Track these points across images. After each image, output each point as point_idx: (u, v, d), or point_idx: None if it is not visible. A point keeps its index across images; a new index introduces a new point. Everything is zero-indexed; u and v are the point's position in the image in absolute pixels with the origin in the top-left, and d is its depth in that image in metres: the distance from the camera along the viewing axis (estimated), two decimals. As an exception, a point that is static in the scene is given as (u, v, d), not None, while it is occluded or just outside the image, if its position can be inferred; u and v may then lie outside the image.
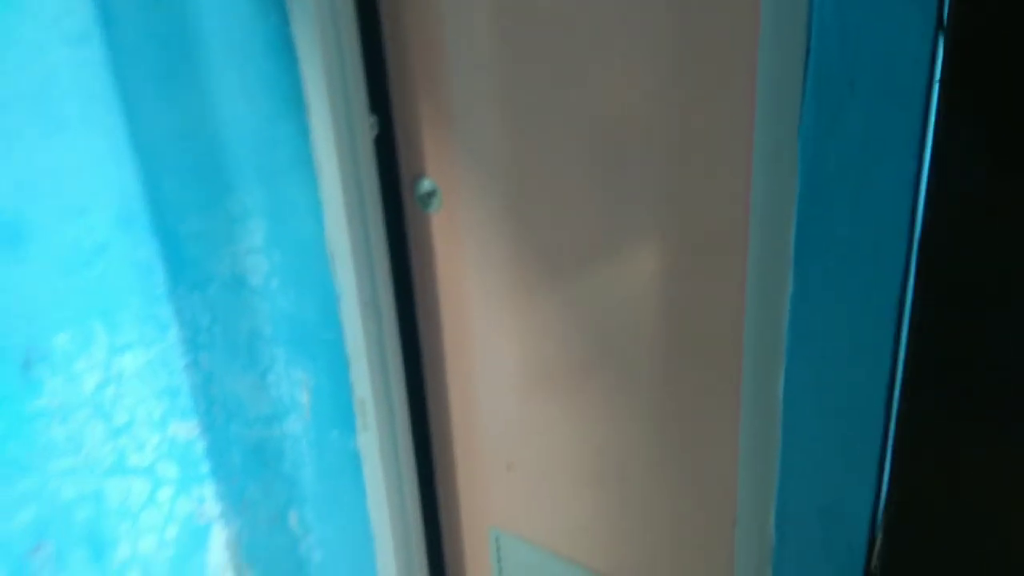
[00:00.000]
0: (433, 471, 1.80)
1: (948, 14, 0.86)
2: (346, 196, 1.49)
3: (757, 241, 1.10)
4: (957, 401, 0.95)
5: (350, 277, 1.54)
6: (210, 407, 1.89)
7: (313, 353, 1.66)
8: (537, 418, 1.56)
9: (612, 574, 1.58)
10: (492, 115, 1.40)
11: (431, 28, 1.42)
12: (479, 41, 1.37)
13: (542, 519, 1.66)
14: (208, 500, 1.98)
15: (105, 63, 1.62)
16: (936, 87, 0.92)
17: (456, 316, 1.62)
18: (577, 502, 1.57)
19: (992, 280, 0.90)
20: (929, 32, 0.91)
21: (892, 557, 1.06)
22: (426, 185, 1.55)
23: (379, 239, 1.57)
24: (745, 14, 1.07)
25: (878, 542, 1.12)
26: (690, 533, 1.43)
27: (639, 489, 1.47)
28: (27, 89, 1.51)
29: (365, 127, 1.51)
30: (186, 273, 1.77)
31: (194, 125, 1.60)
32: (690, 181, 1.22)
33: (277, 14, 1.48)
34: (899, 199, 0.99)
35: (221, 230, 1.67)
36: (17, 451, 1.56)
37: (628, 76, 1.23)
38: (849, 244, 1.03)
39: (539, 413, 1.56)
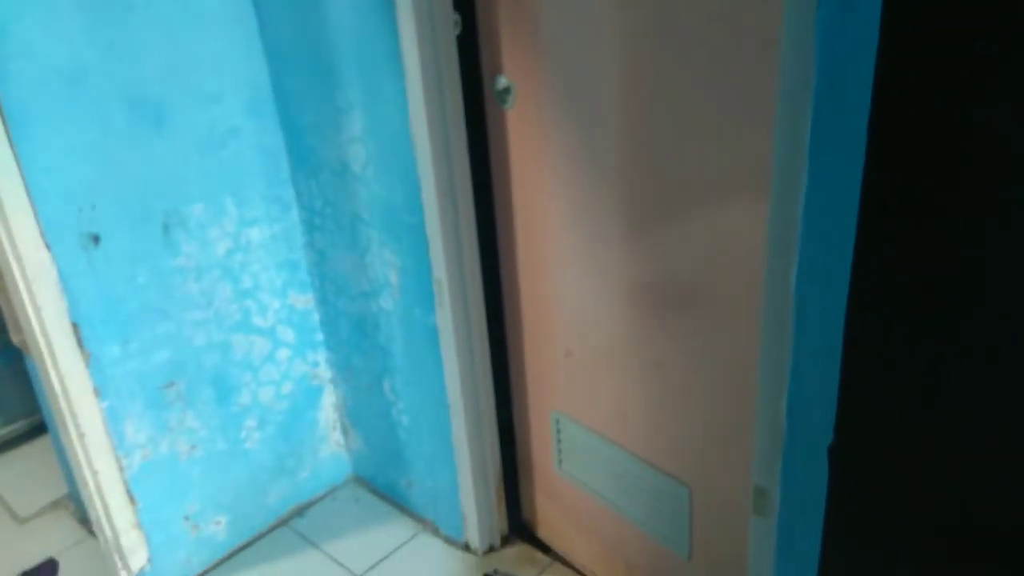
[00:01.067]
0: (505, 354, 1.93)
1: None
2: (427, 90, 1.61)
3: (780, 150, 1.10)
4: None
5: (429, 166, 1.67)
6: (323, 282, 2.14)
7: (400, 236, 1.83)
8: (593, 310, 1.63)
9: (648, 457, 1.65)
10: (569, 20, 1.44)
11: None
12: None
13: (592, 404, 1.75)
14: (321, 365, 2.25)
15: (238, -35, 1.83)
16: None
17: (527, 207, 1.70)
18: (621, 390, 1.64)
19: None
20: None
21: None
22: (502, 82, 1.63)
23: (457, 131, 1.68)
24: None
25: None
26: (716, 423, 1.46)
27: (676, 383, 1.51)
28: (176, -14, 1.74)
29: (448, 25, 1.62)
30: (304, 160, 1.99)
31: (310, 24, 1.77)
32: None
33: (378, -85, 1.60)
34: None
35: (330, 121, 1.85)
36: (158, 300, 1.87)
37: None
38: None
39: (595, 306, 1.62)
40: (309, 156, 1.96)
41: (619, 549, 1.85)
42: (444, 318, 1.82)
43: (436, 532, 2.17)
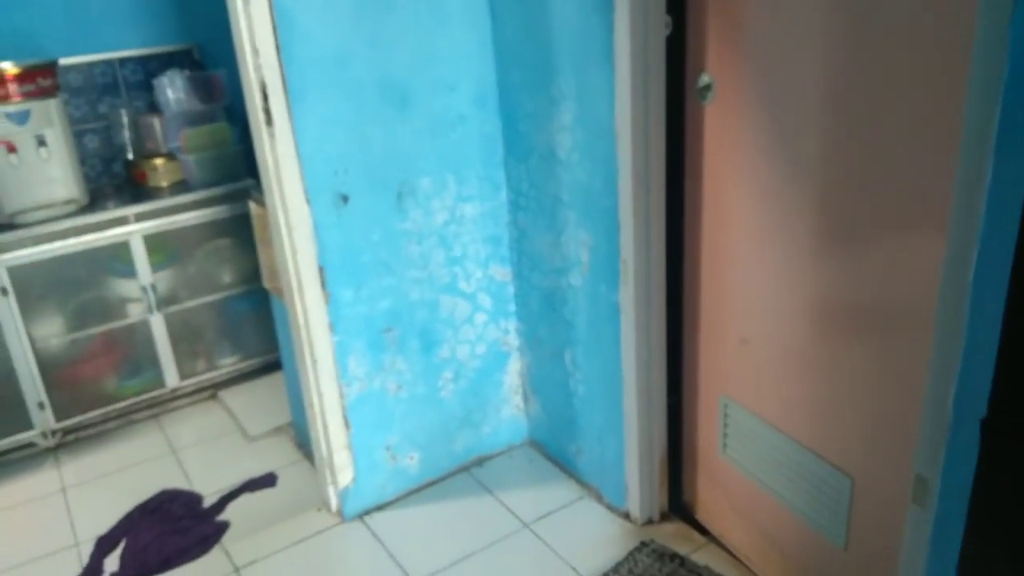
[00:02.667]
0: (681, 336, 2.05)
1: None
2: (634, 85, 1.79)
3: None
4: None
5: (628, 154, 1.84)
6: (520, 258, 2.37)
7: (595, 217, 2.02)
8: (772, 301, 1.72)
9: (813, 447, 1.70)
10: (773, 24, 1.55)
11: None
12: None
13: (761, 392, 1.82)
14: (511, 333, 2.49)
15: (480, -28, 2.11)
16: None
17: (715, 199, 1.82)
18: (792, 381, 1.71)
19: None
20: None
21: None
22: (704, 79, 1.77)
23: (657, 123, 1.84)
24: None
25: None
26: (882, 416, 1.49)
27: (846, 378, 1.56)
28: (427, -10, 2.05)
29: (660, 26, 1.78)
30: (517, 146, 2.24)
31: (535, 22, 2.01)
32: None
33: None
34: None
35: (544, 111, 2.08)
36: (386, 256, 2.19)
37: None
38: None
39: (774, 296, 1.71)
40: (521, 143, 2.20)
41: (775, 536, 1.91)
42: (627, 296, 1.98)
43: (599, 499, 2.33)
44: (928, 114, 1.31)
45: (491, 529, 2.25)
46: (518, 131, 2.21)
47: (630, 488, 2.20)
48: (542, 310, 2.34)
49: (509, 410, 2.55)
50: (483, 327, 2.42)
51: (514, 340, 2.49)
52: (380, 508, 2.36)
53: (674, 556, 2.08)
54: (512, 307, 2.45)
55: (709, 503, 2.15)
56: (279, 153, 1.94)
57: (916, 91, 1.33)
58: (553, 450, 2.51)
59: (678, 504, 2.24)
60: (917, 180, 1.36)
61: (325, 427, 2.23)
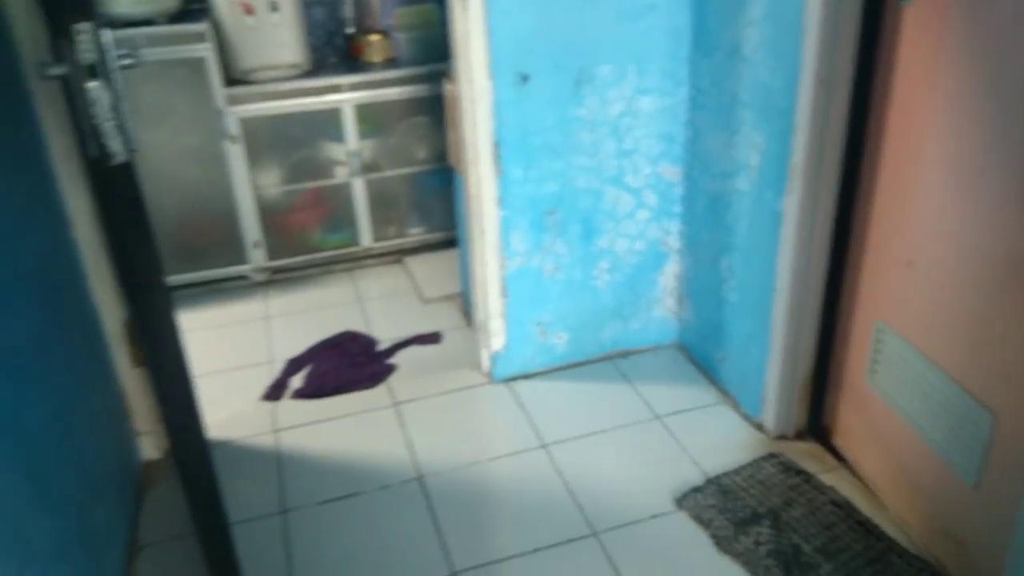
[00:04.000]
0: (843, 253, 1.97)
1: None
2: (830, -23, 1.70)
3: None
4: None
5: (813, 52, 1.76)
6: (692, 159, 2.36)
7: (770, 119, 1.96)
8: (949, 220, 1.61)
9: (962, 380, 1.61)
10: None
11: None
12: None
13: (919, 319, 1.73)
14: (672, 234, 2.51)
15: None
16: None
17: (903, 111, 1.69)
18: (953, 309, 1.60)
19: None
20: None
21: None
22: (909, -25, 1.64)
23: (849, 22, 1.73)
24: None
25: None
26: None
27: (1010, 311, 1.44)
28: None
29: (870, -85, 1.66)
30: (703, 40, 2.19)
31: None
32: None
33: None
34: None
35: (735, 4, 2.02)
36: (558, 140, 2.27)
37: None
38: None
39: (952, 215, 1.59)
40: (708, 37, 2.16)
41: (907, 468, 1.85)
42: (791, 204, 1.93)
43: (736, 407, 2.35)
44: None
45: (623, 413, 2.35)
46: (706, 25, 2.16)
47: (768, 400, 2.20)
48: (706, 214, 2.34)
49: (660, 310, 2.60)
50: (644, 224, 2.46)
51: (675, 242, 2.51)
52: (525, 377, 2.54)
53: (800, 472, 2.08)
54: (677, 208, 2.46)
55: (847, 428, 2.10)
56: (469, 27, 2.06)
57: None
58: (698, 354, 2.54)
59: (815, 425, 2.21)
60: None
61: (485, 294, 2.41)
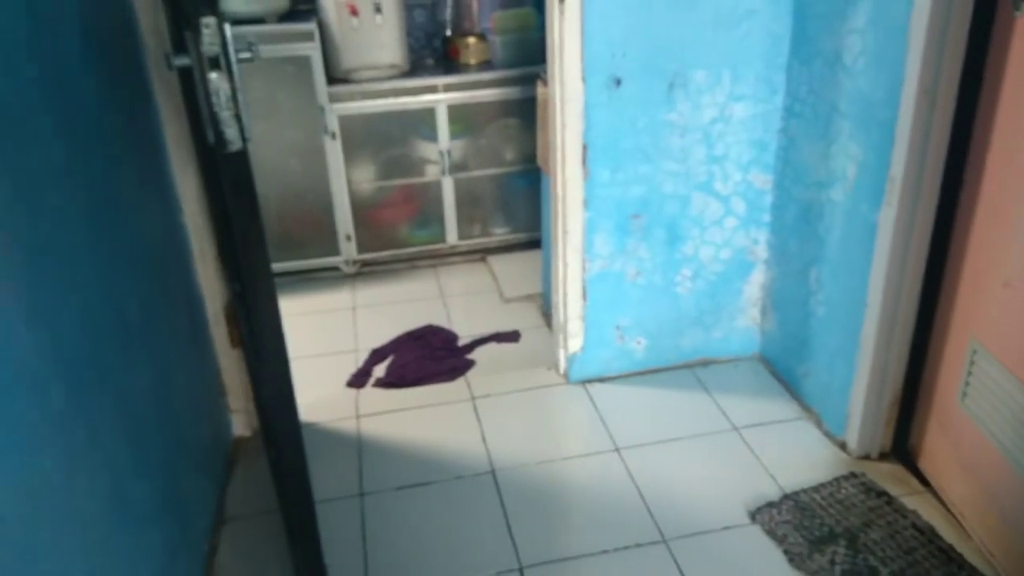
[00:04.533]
0: (939, 269, 1.89)
1: None
2: (939, -15, 1.64)
3: None
4: None
5: (918, 62, 1.70)
6: (784, 168, 2.32)
7: (869, 129, 1.91)
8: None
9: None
10: None
11: None
12: None
13: (1016, 341, 1.65)
14: (760, 243, 2.47)
15: None
16: None
17: (1011, 121, 1.63)
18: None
19: None
20: None
21: None
22: (1026, -17, 1.57)
23: (957, 31, 1.67)
24: None
25: None
26: None
27: None
28: None
29: (986, -80, 1.60)
30: (803, 48, 2.16)
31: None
32: None
33: None
34: None
35: (838, 11, 1.98)
36: (647, 144, 2.27)
37: None
38: None
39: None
40: (808, 45, 2.12)
41: (996, 496, 1.77)
42: (887, 217, 1.88)
43: (818, 424, 2.29)
44: None
45: (700, 423, 2.33)
46: (807, 32, 2.13)
47: (852, 419, 2.14)
48: (796, 224, 2.29)
49: (744, 320, 2.56)
50: (732, 232, 2.43)
51: (762, 252, 2.47)
52: (602, 380, 2.54)
53: (882, 494, 2.02)
54: (766, 217, 2.43)
55: (934, 451, 2.02)
56: (565, 30, 2.09)
57: None
58: (780, 368, 2.49)
59: (900, 446, 2.14)
60: None
61: (565, 295, 2.43)
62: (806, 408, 2.35)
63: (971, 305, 1.82)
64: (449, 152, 3.21)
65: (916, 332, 1.99)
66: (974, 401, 1.84)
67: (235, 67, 1.11)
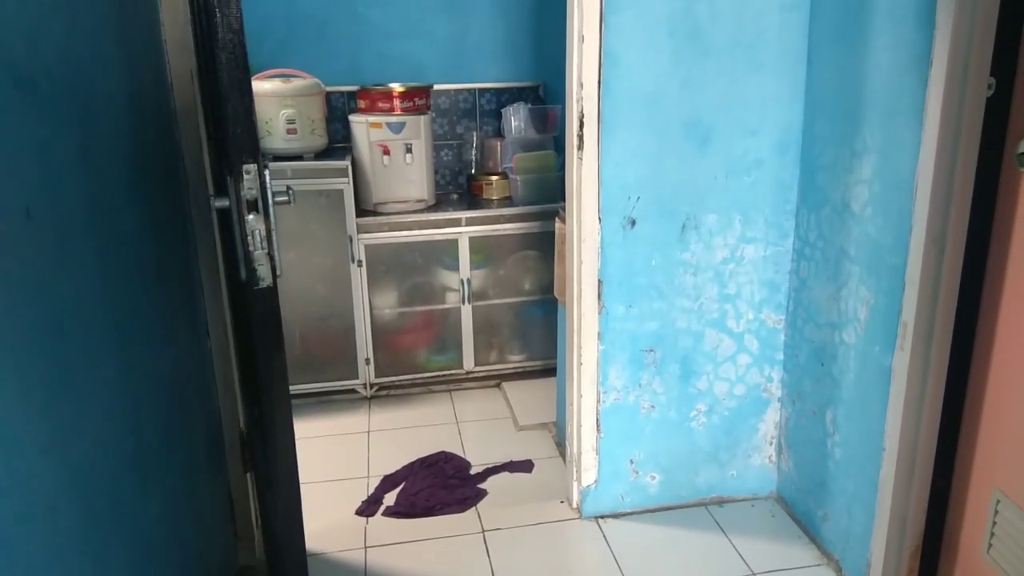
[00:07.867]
0: (956, 414, 1.88)
1: None
2: (941, 142, 1.72)
3: None
4: None
5: (925, 213, 1.77)
6: (796, 308, 2.36)
7: (879, 274, 1.95)
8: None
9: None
10: None
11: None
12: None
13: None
14: (774, 381, 2.47)
15: (801, 26, 2.18)
16: None
17: (1022, 269, 1.67)
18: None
19: None
20: None
21: None
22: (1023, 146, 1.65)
23: (963, 184, 1.74)
24: None
25: None
26: None
27: None
28: (746, 40, 2.17)
29: (980, 87, 1.70)
30: (811, 196, 2.25)
31: (849, 75, 2.03)
32: None
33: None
34: None
35: (844, 163, 2.08)
36: (661, 281, 2.34)
37: None
38: None
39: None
40: (816, 193, 2.21)
41: (1032, 659, 1.69)
42: (901, 361, 1.90)
43: (838, 571, 2.22)
44: None
45: (718, 567, 2.26)
46: (814, 181, 2.22)
47: (873, 567, 2.07)
48: (809, 363, 2.31)
49: (760, 459, 2.53)
50: (745, 369, 2.45)
51: (776, 389, 2.48)
52: (615, 516, 2.49)
53: (908, 651, 1.92)
54: (780, 356, 2.44)
55: (962, 606, 1.94)
56: (583, 175, 2.20)
57: None
58: (799, 509, 2.44)
59: (927, 599, 2.05)
60: None
61: (579, 426, 2.43)
62: (826, 554, 2.28)
63: (992, 453, 1.80)
64: (469, 281, 3.30)
65: (936, 478, 1.96)
66: (1000, 553, 1.79)
67: (272, 209, 1.19)
